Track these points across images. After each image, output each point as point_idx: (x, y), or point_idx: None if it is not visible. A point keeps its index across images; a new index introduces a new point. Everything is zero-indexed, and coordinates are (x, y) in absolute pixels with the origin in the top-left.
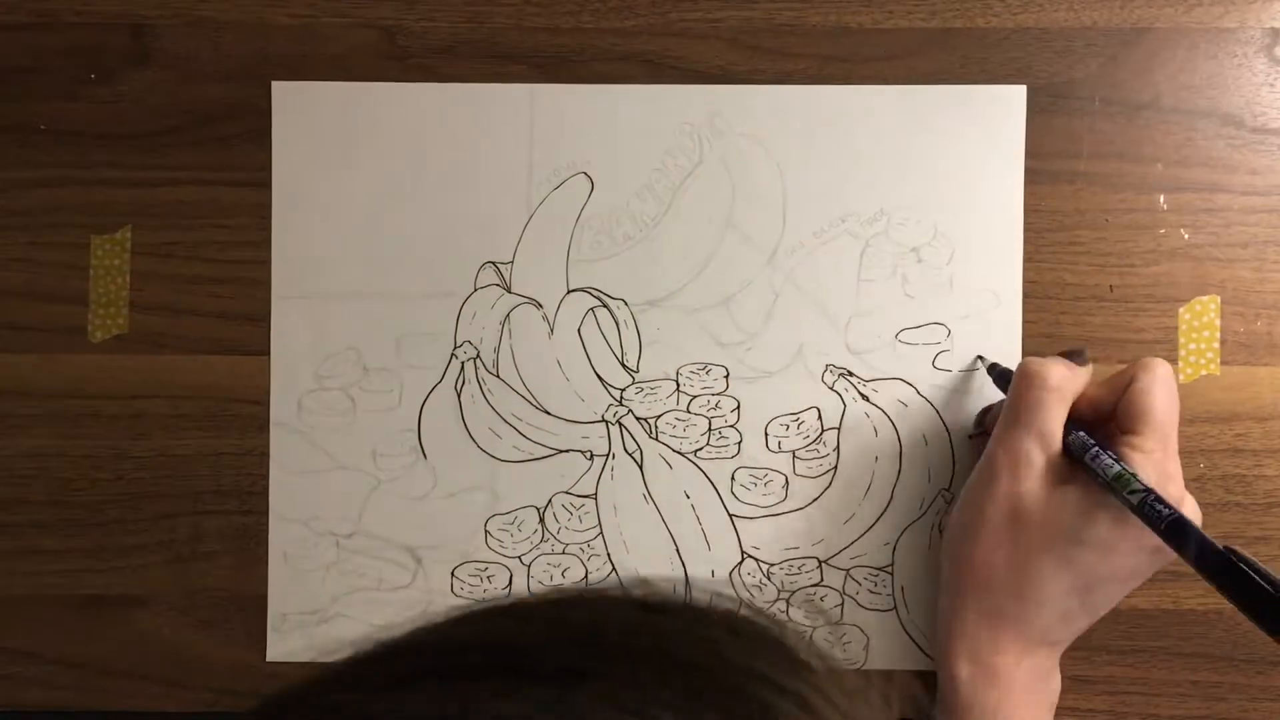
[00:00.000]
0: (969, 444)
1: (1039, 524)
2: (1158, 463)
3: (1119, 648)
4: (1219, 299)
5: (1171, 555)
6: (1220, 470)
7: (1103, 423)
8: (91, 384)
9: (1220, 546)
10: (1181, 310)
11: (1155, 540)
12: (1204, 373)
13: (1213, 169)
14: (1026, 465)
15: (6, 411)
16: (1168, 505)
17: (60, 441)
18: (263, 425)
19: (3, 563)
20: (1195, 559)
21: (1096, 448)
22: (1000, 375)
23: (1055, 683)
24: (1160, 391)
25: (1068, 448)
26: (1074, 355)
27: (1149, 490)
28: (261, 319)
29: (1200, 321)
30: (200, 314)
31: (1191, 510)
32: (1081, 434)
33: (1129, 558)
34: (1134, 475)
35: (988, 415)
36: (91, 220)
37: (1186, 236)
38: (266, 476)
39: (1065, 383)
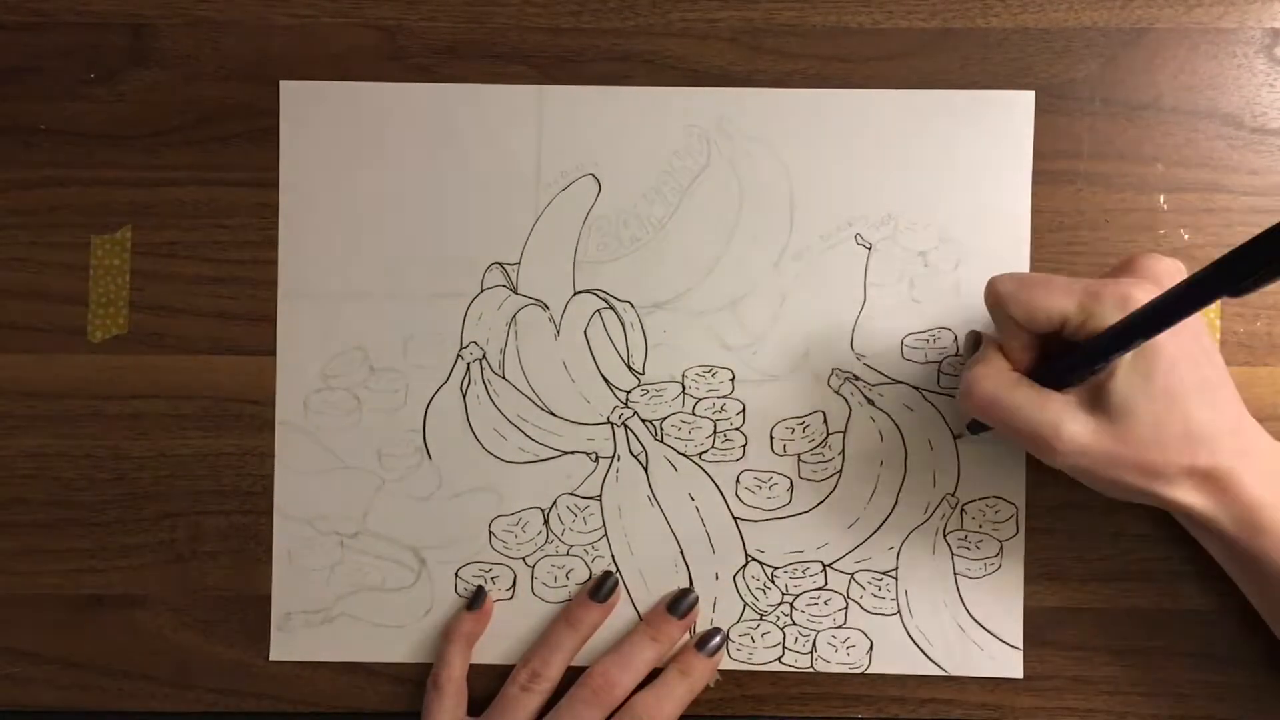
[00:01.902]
0: (975, 450)
1: (1138, 428)
2: (1105, 305)
3: (1119, 648)
4: (1219, 299)
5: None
6: None
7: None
8: (91, 384)
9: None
10: None
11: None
12: None
13: (1213, 169)
14: (1062, 437)
15: (6, 411)
16: (1137, 313)
17: (60, 441)
18: (263, 425)
19: (3, 563)
20: (1197, 300)
21: (1065, 363)
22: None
23: (1261, 433)
24: (1018, 293)
25: (1065, 385)
26: (975, 345)
27: (1116, 327)
28: (262, 319)
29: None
30: (200, 314)
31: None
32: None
33: (1185, 342)
34: (1096, 339)
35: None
36: (92, 220)
37: (1186, 237)
38: (267, 476)
39: (996, 377)
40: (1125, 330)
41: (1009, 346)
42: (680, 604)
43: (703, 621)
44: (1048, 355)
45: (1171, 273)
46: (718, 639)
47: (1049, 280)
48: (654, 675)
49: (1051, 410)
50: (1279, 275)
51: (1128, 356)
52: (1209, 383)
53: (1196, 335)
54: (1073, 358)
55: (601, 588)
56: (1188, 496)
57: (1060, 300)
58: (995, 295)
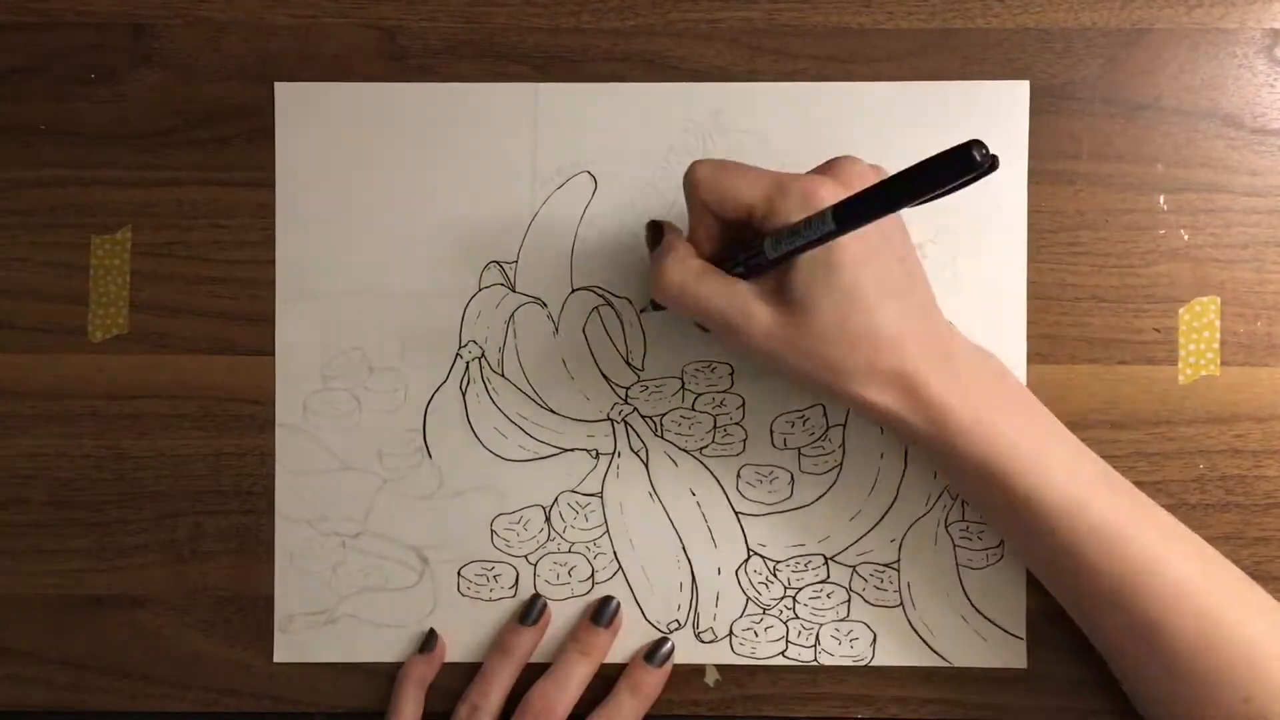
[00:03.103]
0: None
1: (819, 322)
2: (790, 199)
3: None
4: (1219, 300)
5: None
6: (1220, 471)
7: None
8: (91, 384)
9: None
10: (1181, 311)
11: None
12: (1204, 373)
13: (1213, 169)
14: (747, 323)
15: (6, 411)
16: (815, 215)
17: (60, 441)
18: (263, 425)
19: (3, 563)
20: (874, 208)
21: (742, 253)
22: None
23: (985, 356)
24: (713, 178)
25: (749, 274)
26: (658, 235)
27: (785, 224)
28: (261, 319)
29: (1200, 322)
30: (200, 314)
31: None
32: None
33: (874, 246)
34: (781, 231)
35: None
36: (91, 220)
37: (1186, 237)
38: (267, 476)
39: (683, 264)
40: (793, 231)
41: (696, 234)
42: (603, 613)
43: (705, 617)
44: (735, 244)
45: (864, 175)
46: (666, 648)
47: (742, 168)
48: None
49: (739, 296)
50: (955, 190)
51: (811, 254)
52: (896, 287)
53: (887, 239)
54: (753, 249)
55: (530, 612)
56: (876, 396)
57: (749, 189)
58: (692, 178)
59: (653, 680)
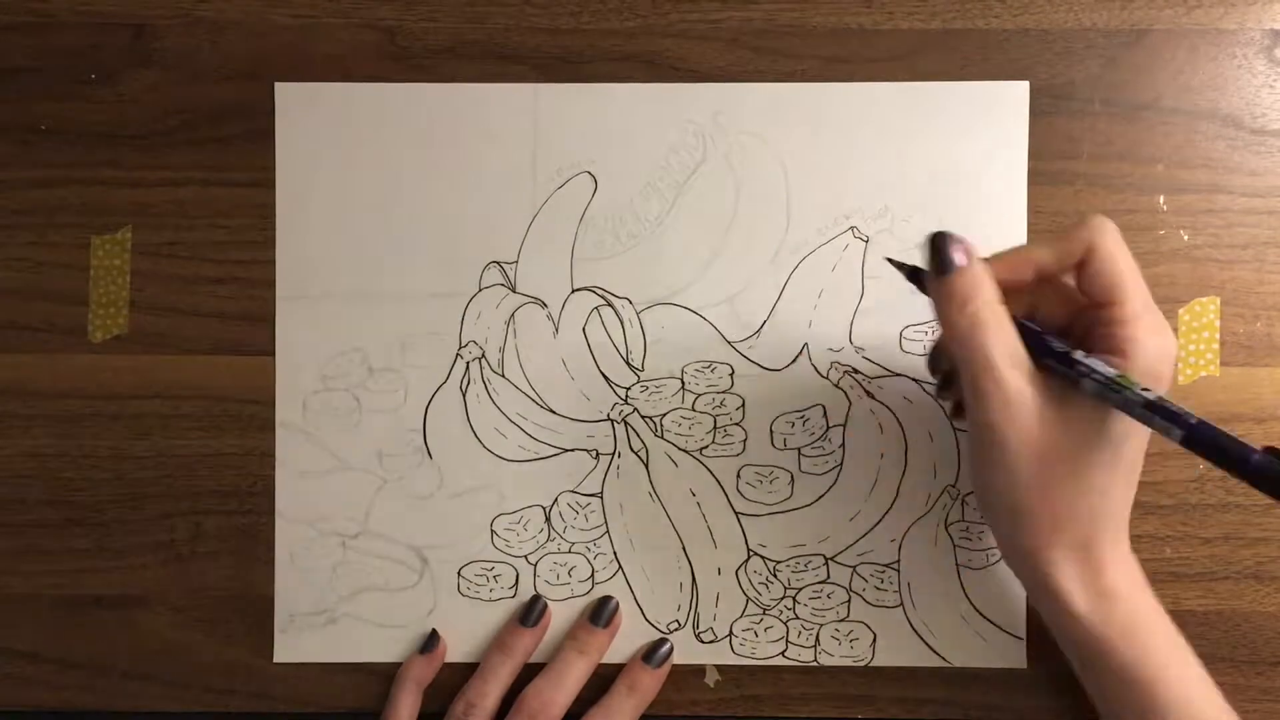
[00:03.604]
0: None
1: (1062, 455)
2: (1148, 327)
3: None
4: (1219, 300)
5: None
6: (1220, 471)
7: (1058, 298)
8: (91, 384)
9: (1255, 448)
10: (1181, 311)
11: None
12: (1204, 374)
13: (1213, 170)
14: (1015, 404)
15: (6, 411)
16: (1180, 410)
17: (60, 441)
18: (263, 425)
19: (3, 563)
20: (1226, 463)
21: (1079, 353)
22: (914, 274)
23: (1137, 564)
24: (1124, 248)
25: (1039, 360)
26: (944, 264)
27: (1152, 395)
28: (262, 319)
29: (1200, 322)
30: (200, 314)
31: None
32: (1052, 341)
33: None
34: (1130, 380)
35: (938, 358)
36: (92, 220)
37: (1186, 238)
38: (267, 477)
39: (985, 305)
40: (1153, 407)
41: (1018, 266)
42: (602, 613)
43: (705, 618)
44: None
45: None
46: (664, 649)
47: (1135, 267)
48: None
49: (1027, 374)
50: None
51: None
52: (1136, 477)
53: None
54: (1076, 357)
55: (531, 613)
56: (1061, 558)
57: (1134, 285)
58: (1100, 229)
59: (650, 680)
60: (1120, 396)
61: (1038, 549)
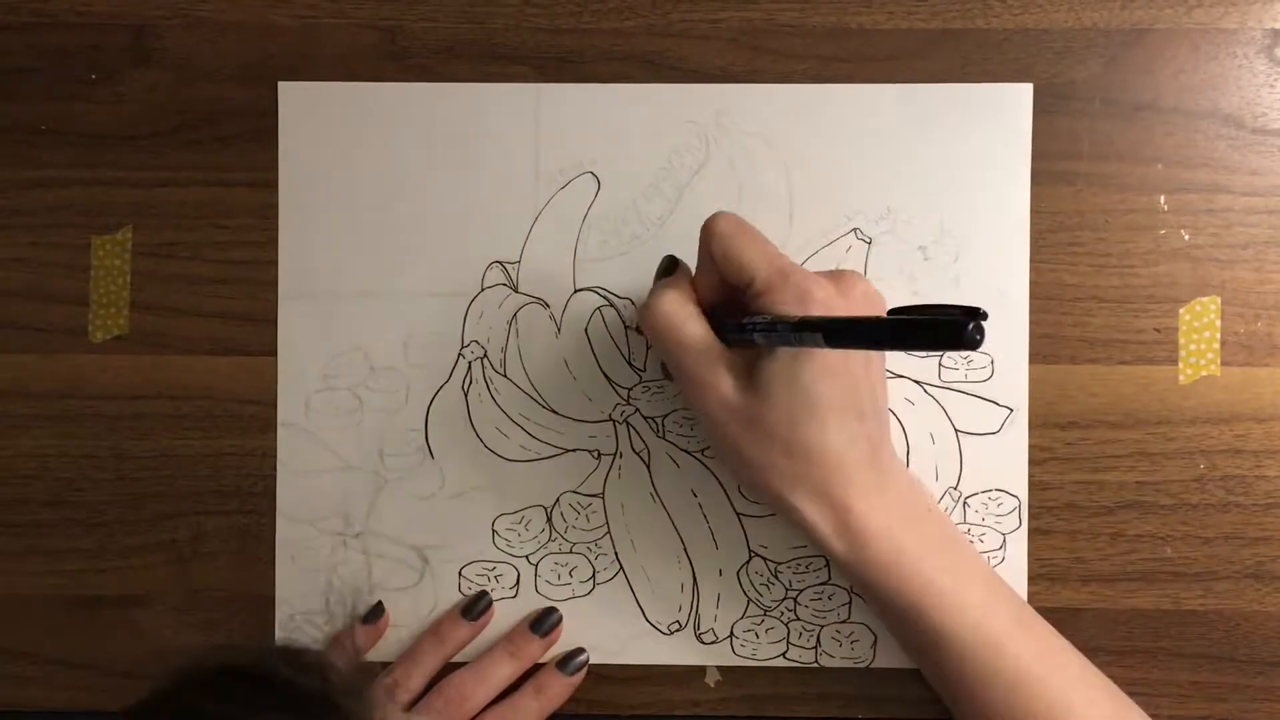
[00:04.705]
0: (976, 443)
1: (763, 415)
2: (783, 293)
3: (1119, 648)
4: (1219, 300)
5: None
6: (1220, 471)
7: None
8: (91, 384)
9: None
10: (1181, 311)
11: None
12: (1204, 373)
13: (1213, 170)
14: (706, 384)
15: (6, 411)
16: (822, 319)
17: (60, 441)
18: (264, 425)
19: (3, 563)
20: (862, 340)
21: (746, 319)
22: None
23: (916, 489)
24: (735, 234)
25: (729, 341)
26: (670, 269)
27: (794, 317)
28: (262, 319)
29: (1200, 322)
30: (201, 314)
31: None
32: (725, 320)
33: (852, 363)
34: (782, 315)
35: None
36: (92, 220)
37: (1187, 237)
38: (268, 476)
39: (678, 305)
40: (794, 328)
41: (700, 280)
42: (543, 623)
43: (706, 618)
44: (727, 305)
45: (867, 298)
46: (580, 659)
47: (756, 239)
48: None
49: (713, 356)
50: (946, 351)
51: (787, 349)
52: (855, 410)
53: (866, 361)
54: (745, 326)
55: (474, 607)
56: (803, 506)
57: (755, 261)
58: (709, 229)
59: (560, 687)
60: (778, 334)
61: (781, 500)
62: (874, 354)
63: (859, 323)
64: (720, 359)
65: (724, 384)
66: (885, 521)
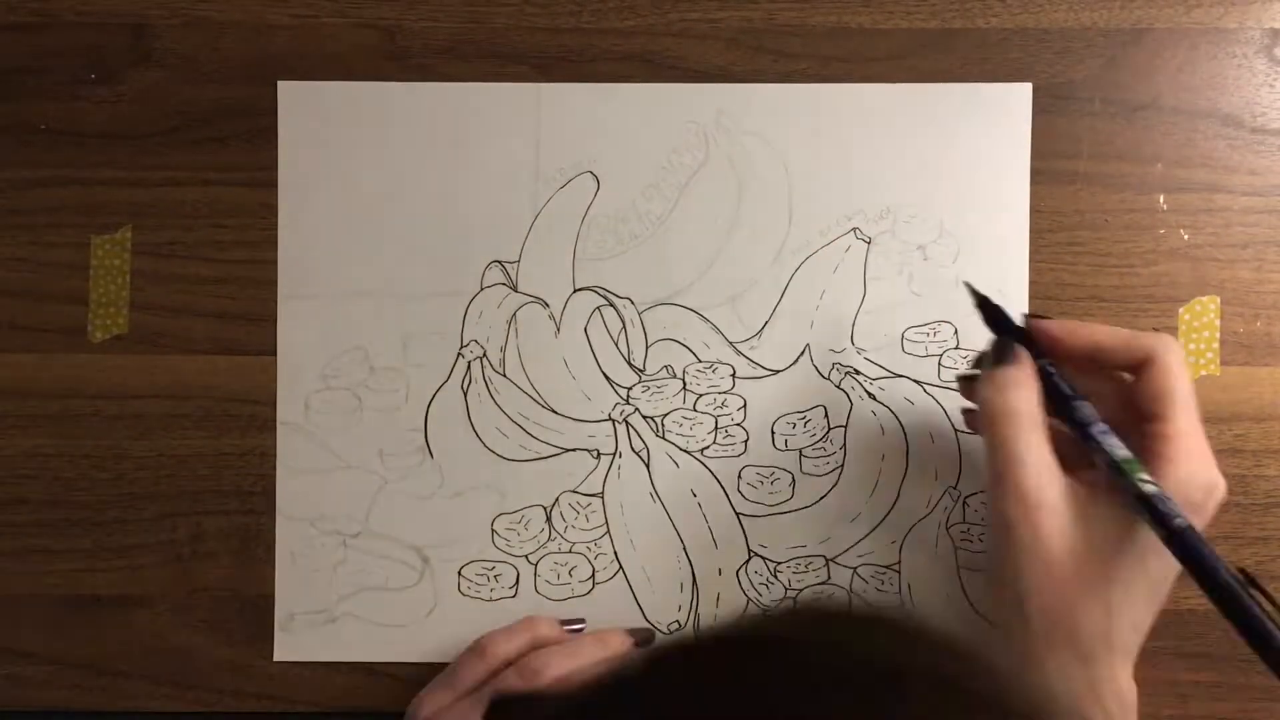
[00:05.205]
0: (976, 443)
1: (1079, 563)
2: (1188, 451)
3: None
4: (1219, 299)
5: None
6: (1220, 470)
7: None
8: (91, 384)
9: (1233, 571)
10: (1181, 310)
11: None
12: (1204, 373)
13: (1213, 169)
14: (1035, 504)
15: (6, 411)
16: (1177, 511)
17: (60, 441)
18: (264, 425)
19: (3, 563)
20: (1199, 578)
21: (1100, 426)
22: (992, 316)
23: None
24: (1184, 371)
25: (1054, 413)
26: (1003, 353)
27: (1158, 489)
28: (262, 319)
29: (1200, 322)
30: (200, 314)
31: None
32: (1077, 402)
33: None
34: (1136, 466)
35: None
36: (92, 220)
37: (1186, 237)
38: (267, 476)
39: (1025, 401)
40: (1182, 536)
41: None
42: (640, 636)
43: (706, 618)
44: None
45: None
46: (649, 637)
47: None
48: None
49: (1050, 477)
50: None
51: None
52: (1156, 597)
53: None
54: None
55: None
56: (1064, 675)
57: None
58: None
59: (622, 647)
60: (1121, 480)
61: (1032, 656)
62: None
63: (1204, 551)
64: (1058, 484)
65: (1052, 511)
66: (1122, 713)
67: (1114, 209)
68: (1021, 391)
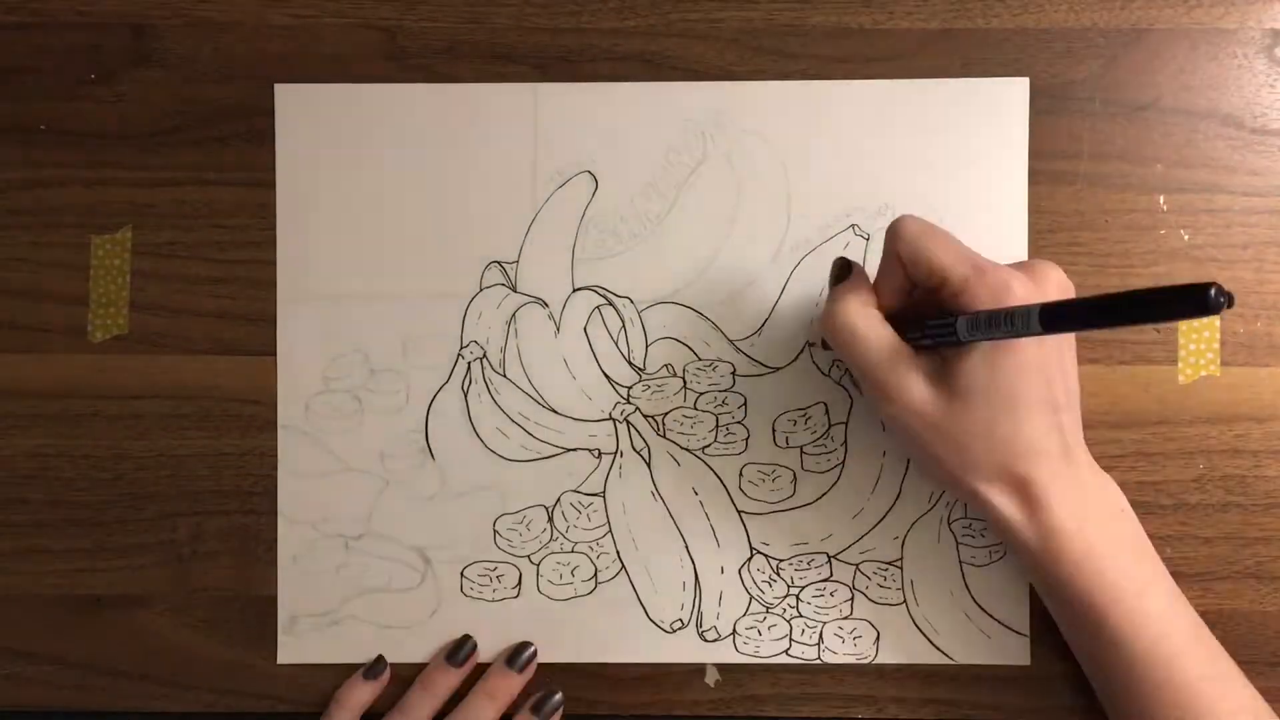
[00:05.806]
0: None
1: (958, 413)
2: (978, 288)
3: None
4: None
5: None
6: (1220, 471)
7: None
8: (91, 384)
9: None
10: None
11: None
12: (1204, 373)
13: (1213, 170)
14: (902, 390)
15: (6, 411)
16: (1025, 303)
17: (60, 441)
18: (263, 425)
19: (3, 563)
20: (1088, 321)
21: (931, 325)
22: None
23: (1108, 488)
24: (924, 234)
25: (914, 344)
26: (844, 273)
27: (993, 312)
28: (262, 319)
29: (1200, 322)
30: (200, 314)
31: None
32: (927, 322)
33: (1048, 356)
34: (972, 315)
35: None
36: (92, 220)
37: (1186, 237)
38: (268, 476)
39: (862, 311)
40: (993, 319)
41: (882, 284)
42: (517, 658)
43: (708, 616)
44: (912, 306)
45: (1061, 286)
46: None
47: (947, 238)
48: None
49: (904, 363)
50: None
51: (985, 345)
52: (1053, 403)
53: (1060, 353)
54: (937, 322)
55: (458, 652)
56: (998, 499)
57: (950, 261)
58: (897, 231)
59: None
60: (980, 331)
61: (975, 494)
62: (1066, 348)
63: (1077, 303)
64: (911, 365)
65: (916, 388)
66: (1075, 514)
67: (1114, 209)
68: (860, 295)
